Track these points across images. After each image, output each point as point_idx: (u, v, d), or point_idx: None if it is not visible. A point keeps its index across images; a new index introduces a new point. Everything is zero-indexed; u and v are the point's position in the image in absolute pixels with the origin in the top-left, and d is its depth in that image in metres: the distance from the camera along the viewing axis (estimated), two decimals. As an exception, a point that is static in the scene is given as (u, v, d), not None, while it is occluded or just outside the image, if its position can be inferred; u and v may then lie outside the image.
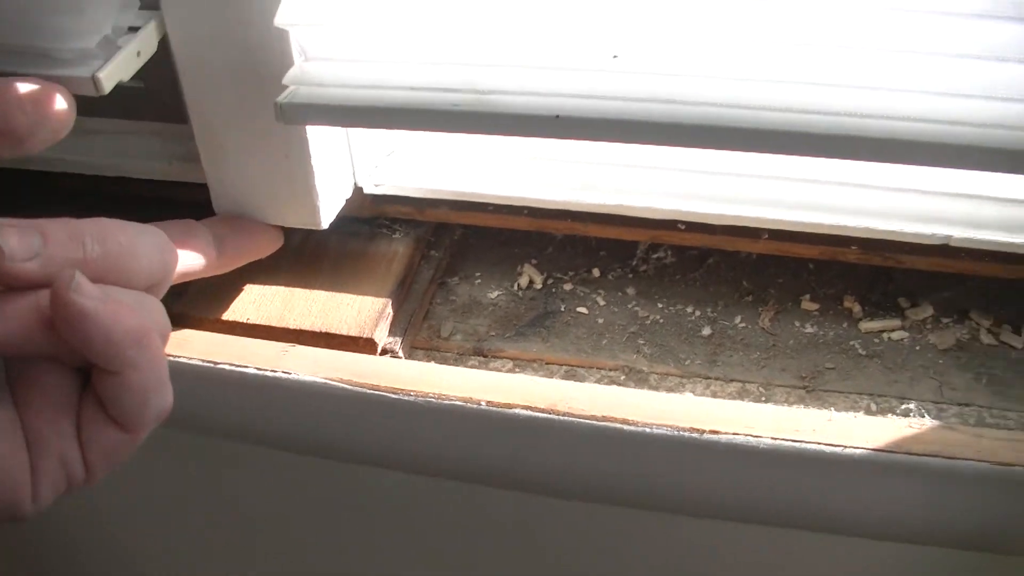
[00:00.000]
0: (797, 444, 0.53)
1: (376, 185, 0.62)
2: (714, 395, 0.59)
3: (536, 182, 0.62)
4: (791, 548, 0.59)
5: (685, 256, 0.66)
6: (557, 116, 0.48)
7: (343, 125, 0.54)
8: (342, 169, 0.61)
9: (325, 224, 0.60)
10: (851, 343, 0.62)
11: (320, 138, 0.57)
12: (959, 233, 0.58)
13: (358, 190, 0.62)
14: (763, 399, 0.59)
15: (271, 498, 0.65)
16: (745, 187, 0.60)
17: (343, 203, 0.61)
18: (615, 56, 0.48)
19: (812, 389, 0.60)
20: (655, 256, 0.66)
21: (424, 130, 0.55)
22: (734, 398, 0.59)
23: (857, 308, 0.64)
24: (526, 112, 0.49)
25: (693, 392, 0.59)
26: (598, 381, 0.60)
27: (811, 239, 0.61)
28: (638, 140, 0.48)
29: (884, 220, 0.59)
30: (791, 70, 0.48)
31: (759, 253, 0.64)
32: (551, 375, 0.60)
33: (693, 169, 0.61)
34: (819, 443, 0.53)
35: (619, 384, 0.60)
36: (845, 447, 0.53)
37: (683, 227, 0.62)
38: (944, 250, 0.59)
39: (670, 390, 0.59)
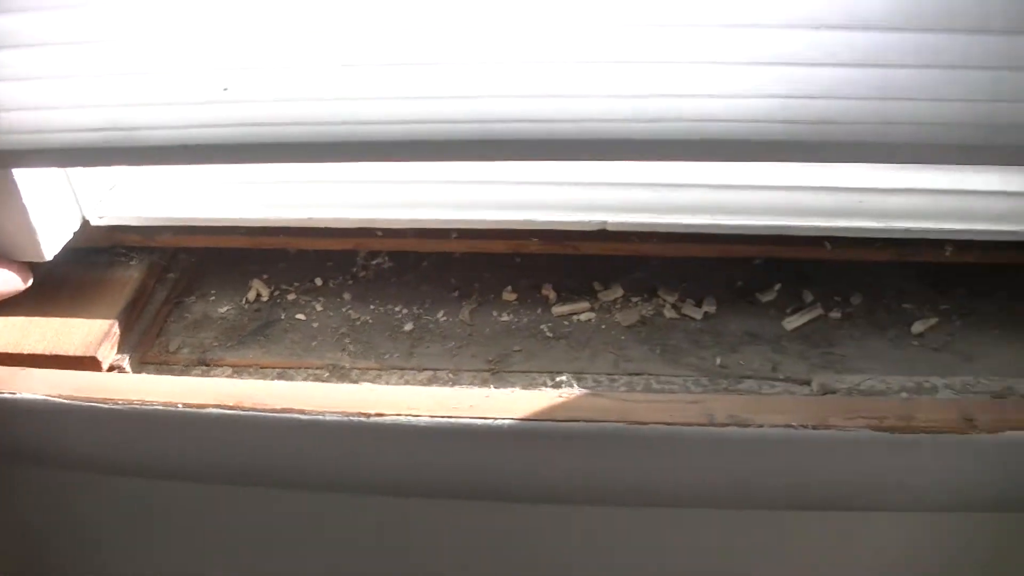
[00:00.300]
0: (453, 420, 0.59)
1: (100, 217, 0.68)
2: (407, 383, 0.65)
3: (246, 203, 0.68)
4: (455, 518, 0.64)
5: (402, 260, 0.72)
6: (184, 145, 0.55)
7: (12, 167, 0.61)
8: (65, 204, 0.67)
9: (49, 256, 0.66)
10: (541, 327, 0.68)
11: (33, 177, 0.64)
12: (613, 218, 0.64)
13: (86, 222, 0.69)
14: (451, 383, 0.65)
15: (14, 510, 0.71)
16: (427, 192, 0.67)
17: (70, 236, 0.68)
18: (225, 88, 0.54)
19: (496, 371, 0.65)
20: (375, 262, 0.72)
21: (83, 166, 0.62)
22: (425, 385, 0.65)
23: (553, 295, 0.69)
24: (159, 144, 0.55)
25: (388, 382, 0.65)
26: (304, 379, 0.66)
27: (496, 235, 0.67)
28: (254, 160, 0.54)
29: (546, 212, 0.64)
30: (384, 88, 0.54)
31: (465, 252, 0.70)
32: (264, 377, 0.66)
33: (381, 180, 0.67)
34: (473, 417, 0.59)
35: (323, 380, 0.65)
36: (496, 419, 0.58)
37: (380, 233, 0.68)
38: (605, 234, 0.65)
39: (369, 382, 0.65)
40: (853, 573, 0.66)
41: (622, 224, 0.64)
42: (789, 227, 0.64)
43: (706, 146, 0.52)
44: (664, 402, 0.59)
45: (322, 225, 0.66)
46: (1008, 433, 0.58)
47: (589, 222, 0.63)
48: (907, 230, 0.63)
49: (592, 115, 0.52)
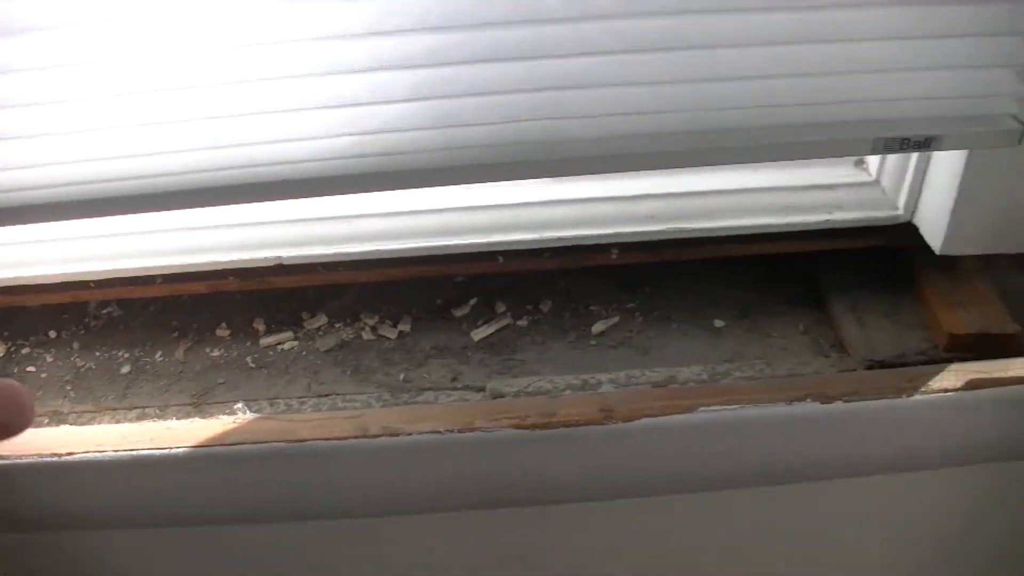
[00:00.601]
0: (134, 453, 0.64)
1: None
2: (118, 423, 0.70)
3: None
4: (141, 547, 0.69)
5: (130, 307, 0.78)
6: None
7: None
8: None
9: None
10: (247, 359, 0.73)
11: None
12: (288, 253, 0.69)
13: None
14: (157, 418, 0.70)
15: None
16: (131, 243, 0.72)
17: None
18: None
19: (199, 404, 0.70)
20: (104, 311, 0.78)
21: None
22: (134, 422, 0.70)
23: (263, 328, 0.75)
24: None
25: (101, 422, 0.70)
26: (27, 427, 0.71)
27: (196, 277, 0.72)
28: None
29: (228, 252, 0.70)
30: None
31: (170, 295, 0.75)
32: (-8, 428, 0.71)
33: (88, 235, 0.72)
34: (152, 449, 0.64)
35: (42, 427, 0.71)
36: (172, 448, 0.63)
37: (93, 285, 0.73)
38: (285, 268, 0.70)
39: (85, 424, 0.70)
40: (512, 572, 0.70)
41: (297, 257, 0.69)
42: (454, 245, 0.69)
43: (298, 185, 0.57)
44: (325, 419, 0.64)
45: (30, 283, 0.71)
46: (644, 420, 0.63)
47: (266, 258, 0.68)
48: (559, 238, 0.68)
49: (187, 167, 0.57)
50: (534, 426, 0.63)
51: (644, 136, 0.56)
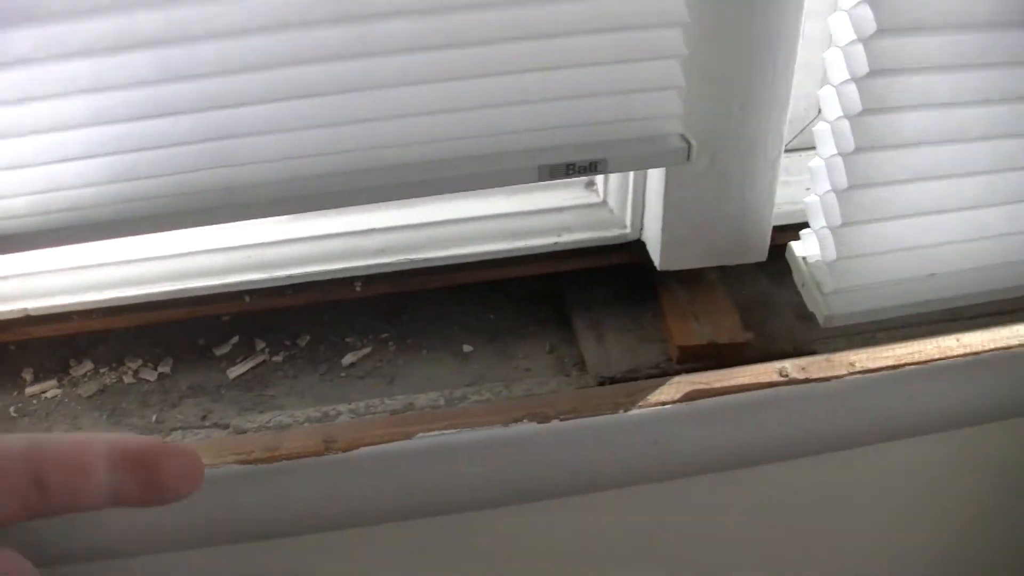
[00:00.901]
0: None
1: None
2: None
3: None
4: None
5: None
6: None
7: None
8: None
9: None
10: (10, 409, 0.75)
11: None
12: (33, 304, 0.71)
13: None
14: (-83, 473, 0.72)
15: None
16: None
17: None
18: None
19: (-42, 456, 0.72)
20: None
21: None
22: None
23: (31, 377, 0.77)
24: None
25: None
26: None
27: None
28: None
29: (-22, 306, 0.72)
30: None
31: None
32: None
33: None
34: None
35: None
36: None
37: None
38: (33, 320, 0.72)
39: None
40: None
41: (43, 308, 0.71)
42: (191, 288, 0.71)
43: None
44: (60, 465, 0.66)
45: None
46: (363, 449, 0.65)
47: (12, 311, 0.70)
48: (289, 276, 0.70)
49: None
50: (257, 460, 0.65)
51: (313, 177, 0.58)
